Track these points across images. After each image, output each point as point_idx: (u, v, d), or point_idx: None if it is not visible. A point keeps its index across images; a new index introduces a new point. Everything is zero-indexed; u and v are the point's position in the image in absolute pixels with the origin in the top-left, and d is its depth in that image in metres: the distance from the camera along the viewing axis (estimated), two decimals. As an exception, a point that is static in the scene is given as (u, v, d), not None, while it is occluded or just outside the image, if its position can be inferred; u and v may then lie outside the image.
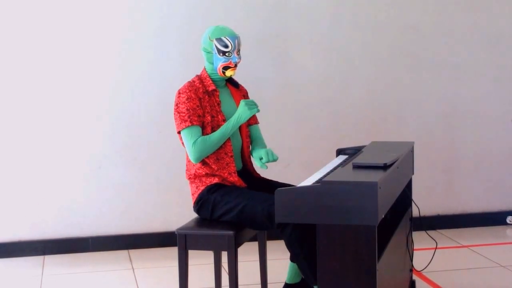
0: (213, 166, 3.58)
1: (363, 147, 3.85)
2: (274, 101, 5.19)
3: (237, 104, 3.72)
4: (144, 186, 5.10)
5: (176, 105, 3.56)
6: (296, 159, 5.25)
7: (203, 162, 3.59)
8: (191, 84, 3.61)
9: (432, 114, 5.43)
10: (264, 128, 5.13)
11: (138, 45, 5.03)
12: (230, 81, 3.79)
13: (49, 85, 4.95)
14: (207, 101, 3.60)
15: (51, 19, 4.91)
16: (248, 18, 5.12)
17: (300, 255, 3.23)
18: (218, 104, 3.62)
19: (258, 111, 3.58)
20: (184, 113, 3.53)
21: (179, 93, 3.58)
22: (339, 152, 3.98)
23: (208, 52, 3.64)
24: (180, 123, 3.53)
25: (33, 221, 4.99)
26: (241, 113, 3.55)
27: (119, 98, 5.03)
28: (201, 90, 3.59)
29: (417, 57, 5.38)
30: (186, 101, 3.54)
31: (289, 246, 3.28)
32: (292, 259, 3.49)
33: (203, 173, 3.58)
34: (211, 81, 3.64)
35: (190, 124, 3.52)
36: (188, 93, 3.55)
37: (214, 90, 3.63)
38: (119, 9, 4.99)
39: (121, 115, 5.04)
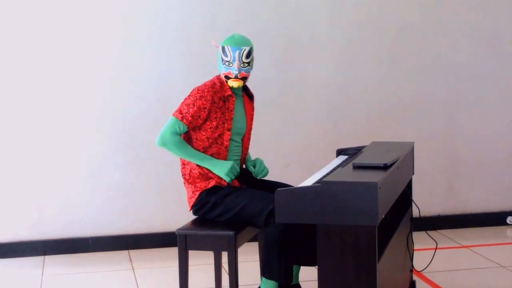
0: (205, 170, 3.59)
1: (363, 147, 3.84)
2: (274, 102, 5.19)
3: (247, 116, 3.70)
4: (144, 186, 5.10)
5: (189, 95, 3.56)
6: (296, 159, 5.25)
7: (198, 164, 3.60)
8: (212, 85, 3.58)
9: (432, 114, 5.43)
10: (265, 128, 5.14)
11: (138, 45, 5.03)
12: (247, 92, 3.76)
13: (49, 85, 4.95)
14: (220, 106, 3.58)
15: (50, 20, 4.91)
16: (248, 18, 5.12)
17: (278, 249, 3.33)
18: (230, 111, 3.59)
19: (230, 181, 3.58)
20: (188, 105, 3.53)
21: (198, 89, 3.56)
22: (339, 152, 3.98)
23: (219, 57, 3.64)
24: (178, 111, 3.55)
25: (34, 221, 4.99)
26: (221, 170, 3.55)
27: (119, 98, 5.03)
28: (218, 95, 3.57)
29: (417, 57, 5.38)
30: (198, 98, 3.53)
31: (272, 240, 3.35)
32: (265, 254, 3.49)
33: (197, 173, 3.60)
34: (228, 86, 3.63)
35: (180, 119, 3.54)
36: (206, 93, 3.53)
37: (230, 96, 3.60)
38: (118, 9, 4.98)
39: (121, 115, 5.04)
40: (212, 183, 3.58)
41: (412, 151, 3.91)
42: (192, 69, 5.06)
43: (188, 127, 3.56)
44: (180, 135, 3.58)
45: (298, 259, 3.54)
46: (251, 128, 3.77)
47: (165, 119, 3.69)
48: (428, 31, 5.37)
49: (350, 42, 5.29)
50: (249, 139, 3.76)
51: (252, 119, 3.77)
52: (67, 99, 4.98)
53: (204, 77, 3.82)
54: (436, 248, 4.15)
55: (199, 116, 3.54)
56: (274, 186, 3.65)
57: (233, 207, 3.50)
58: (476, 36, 5.43)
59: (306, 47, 5.23)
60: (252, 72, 3.83)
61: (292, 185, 3.66)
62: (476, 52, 5.45)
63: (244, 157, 3.76)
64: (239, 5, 5.11)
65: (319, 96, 5.27)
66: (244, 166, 3.81)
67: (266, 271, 3.41)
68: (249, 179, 3.77)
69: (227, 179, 3.55)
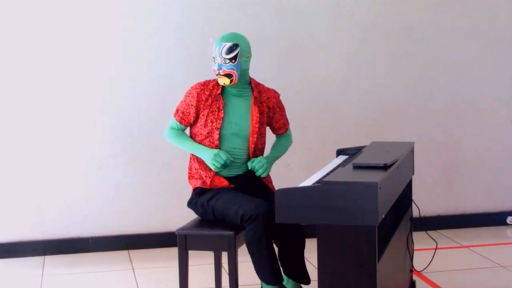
0: (196, 164, 3.62)
1: (363, 147, 3.84)
2: (274, 101, 5.19)
3: (252, 118, 3.62)
4: (144, 186, 5.10)
5: (186, 92, 3.66)
6: (297, 159, 5.24)
7: (193, 157, 3.65)
8: (205, 83, 3.63)
9: (432, 114, 5.43)
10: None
11: (138, 45, 5.03)
12: (258, 93, 3.69)
13: (50, 85, 4.95)
14: (208, 104, 3.58)
15: (50, 20, 4.91)
16: (248, 18, 5.12)
17: (256, 254, 3.35)
18: (220, 110, 3.57)
19: (217, 169, 3.54)
20: (181, 102, 3.65)
21: (191, 86, 3.64)
22: (339, 152, 3.98)
23: None
24: (176, 108, 3.68)
25: (34, 221, 4.99)
26: (206, 158, 3.55)
27: (119, 98, 5.03)
28: (207, 92, 3.59)
29: (417, 57, 5.38)
30: (187, 96, 3.62)
31: (247, 244, 3.39)
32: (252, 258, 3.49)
33: (193, 169, 3.65)
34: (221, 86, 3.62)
35: (174, 116, 3.66)
36: (193, 91, 3.60)
37: (219, 95, 3.59)
38: (118, 9, 4.98)
39: (121, 115, 5.04)
40: (198, 183, 3.61)
41: (412, 151, 3.91)
42: (192, 69, 5.05)
43: (181, 124, 3.64)
44: (182, 130, 3.71)
45: (292, 275, 3.55)
46: (256, 132, 3.65)
47: (164, 119, 3.74)
48: (428, 31, 5.37)
49: (350, 42, 5.28)
50: (254, 142, 3.66)
51: (258, 122, 3.64)
52: (67, 99, 4.98)
53: (204, 77, 3.82)
54: (436, 248, 4.15)
55: (189, 113, 3.60)
56: (268, 190, 3.64)
57: (216, 213, 3.54)
58: (476, 36, 5.43)
59: (306, 47, 5.23)
60: (252, 72, 3.82)
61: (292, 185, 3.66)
62: (476, 52, 5.45)
63: (252, 154, 3.70)
64: (239, 6, 5.11)
65: (319, 96, 5.27)
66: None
67: (260, 277, 3.43)
68: (250, 181, 3.72)
69: (212, 167, 3.54)
